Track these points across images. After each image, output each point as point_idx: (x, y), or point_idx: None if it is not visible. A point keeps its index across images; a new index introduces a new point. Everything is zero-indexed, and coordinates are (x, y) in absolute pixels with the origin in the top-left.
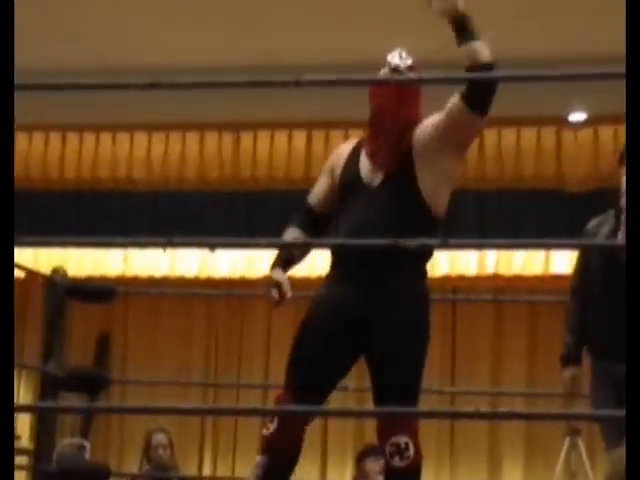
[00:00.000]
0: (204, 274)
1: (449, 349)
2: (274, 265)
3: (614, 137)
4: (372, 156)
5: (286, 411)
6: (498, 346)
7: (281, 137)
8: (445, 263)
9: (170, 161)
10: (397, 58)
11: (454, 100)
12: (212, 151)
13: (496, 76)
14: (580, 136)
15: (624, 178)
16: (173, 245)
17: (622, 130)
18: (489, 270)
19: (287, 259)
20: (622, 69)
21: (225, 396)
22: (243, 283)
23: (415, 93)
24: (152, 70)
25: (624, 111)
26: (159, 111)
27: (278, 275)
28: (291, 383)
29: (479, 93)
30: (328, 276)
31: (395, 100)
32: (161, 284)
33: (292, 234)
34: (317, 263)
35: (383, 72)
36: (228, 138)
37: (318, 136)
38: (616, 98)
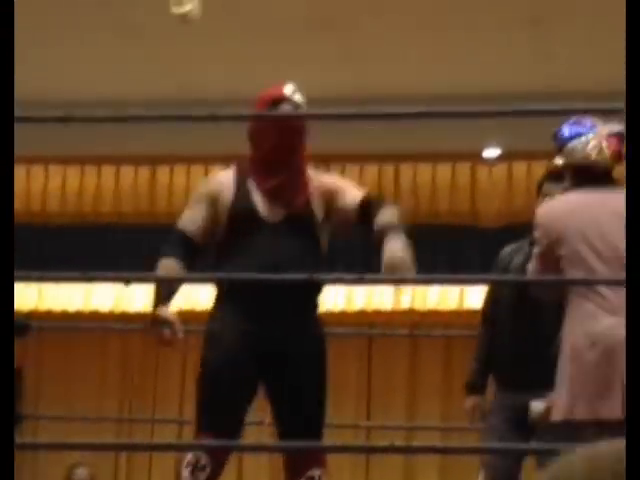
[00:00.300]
0: (119, 308)
1: (365, 383)
2: (159, 302)
3: (527, 173)
4: (272, 192)
5: (207, 446)
6: (413, 380)
7: (198, 171)
8: (361, 298)
9: (85, 194)
10: (297, 94)
11: (354, 200)
12: (128, 185)
13: (412, 112)
14: (494, 172)
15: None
16: (88, 279)
17: (535, 166)
18: (404, 305)
19: (169, 293)
20: (536, 106)
21: (140, 432)
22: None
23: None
24: (67, 103)
25: (537, 147)
26: (75, 144)
27: (167, 313)
28: (206, 427)
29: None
30: (224, 311)
31: (299, 137)
32: (75, 318)
33: (169, 265)
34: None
35: (286, 107)
36: (144, 172)
37: None
38: (530, 135)
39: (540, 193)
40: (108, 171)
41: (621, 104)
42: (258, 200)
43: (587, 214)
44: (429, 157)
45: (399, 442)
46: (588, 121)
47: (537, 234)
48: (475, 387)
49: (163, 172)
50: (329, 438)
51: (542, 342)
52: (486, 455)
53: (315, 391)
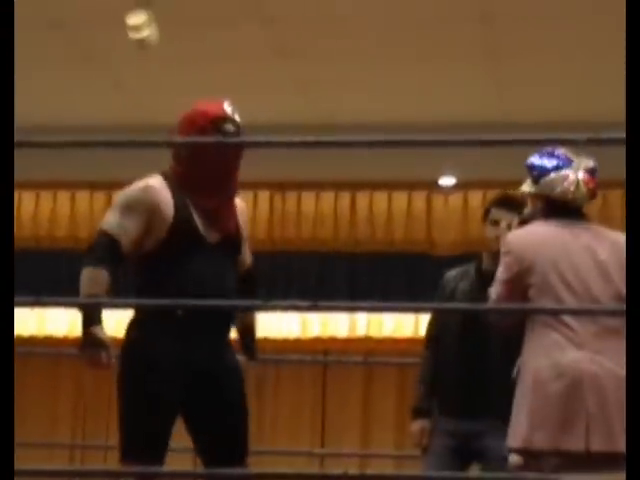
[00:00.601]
0: (73, 334)
1: (319, 410)
2: (92, 322)
3: (483, 202)
4: (212, 213)
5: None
6: (368, 408)
7: None
8: (317, 325)
9: (40, 219)
10: (236, 113)
11: (246, 261)
12: (84, 210)
13: (368, 140)
14: (450, 201)
15: (488, 234)
16: (41, 304)
17: (491, 195)
18: (360, 332)
19: (100, 312)
20: (491, 136)
21: (92, 458)
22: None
23: None
24: (34, 128)
25: (493, 177)
26: (29, 170)
27: (103, 334)
28: (138, 456)
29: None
30: (156, 332)
31: (239, 160)
32: (28, 343)
33: (105, 277)
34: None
35: (228, 127)
36: (100, 196)
37: None
38: (485, 164)
39: (487, 218)
40: (63, 196)
41: (575, 135)
42: (199, 220)
43: (559, 245)
44: (385, 185)
45: (353, 470)
46: (562, 153)
47: (507, 260)
48: (422, 411)
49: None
50: (284, 465)
51: (487, 369)
52: None
53: (244, 414)
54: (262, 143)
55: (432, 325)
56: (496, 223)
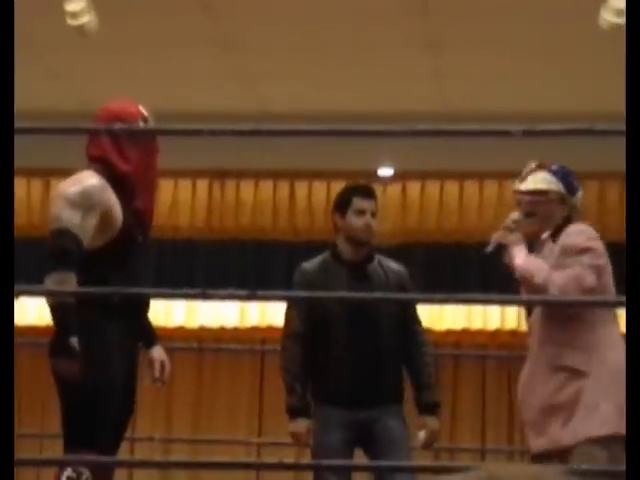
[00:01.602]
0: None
1: (257, 399)
2: (72, 332)
3: (422, 192)
4: (144, 213)
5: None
6: None
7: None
8: (255, 314)
9: None
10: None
11: None
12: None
13: (306, 129)
14: (388, 191)
15: (354, 223)
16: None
17: (429, 185)
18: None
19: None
20: (430, 127)
21: (27, 448)
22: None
23: None
24: None
25: (431, 167)
26: None
27: (77, 347)
28: (98, 443)
29: None
30: (108, 325)
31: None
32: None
33: (74, 281)
34: None
35: (147, 124)
36: (37, 184)
37: None
38: (423, 154)
39: (347, 209)
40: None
41: (514, 126)
42: (133, 220)
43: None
44: (324, 175)
45: (289, 459)
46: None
47: (595, 246)
48: (303, 409)
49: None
50: (221, 453)
51: (379, 357)
52: (322, 474)
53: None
54: (203, 131)
55: (295, 319)
56: (361, 213)
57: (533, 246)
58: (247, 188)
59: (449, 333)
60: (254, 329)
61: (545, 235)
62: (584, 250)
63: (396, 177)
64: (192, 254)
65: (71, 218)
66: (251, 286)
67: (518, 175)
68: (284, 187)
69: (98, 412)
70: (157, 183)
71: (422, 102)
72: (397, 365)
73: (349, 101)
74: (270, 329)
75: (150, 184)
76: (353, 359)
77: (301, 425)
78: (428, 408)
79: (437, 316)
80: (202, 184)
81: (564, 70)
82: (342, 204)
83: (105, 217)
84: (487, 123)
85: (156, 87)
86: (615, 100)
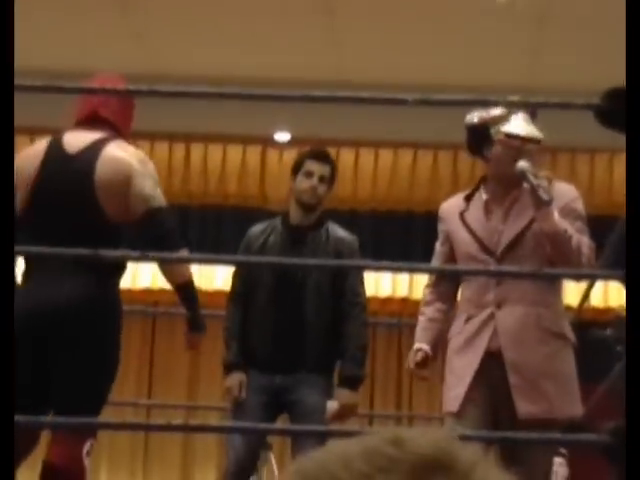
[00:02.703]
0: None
1: (147, 362)
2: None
3: None
4: None
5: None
6: (196, 360)
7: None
8: (147, 276)
9: None
10: None
11: None
12: None
13: (200, 91)
14: (284, 156)
15: (301, 185)
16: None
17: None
18: None
19: None
20: (327, 93)
21: None
22: None
23: None
24: None
25: (327, 134)
26: None
27: None
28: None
29: None
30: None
31: None
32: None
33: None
34: None
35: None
36: None
37: None
38: (320, 121)
39: (299, 171)
40: None
41: (405, 95)
42: None
43: None
44: (219, 138)
45: (178, 420)
46: None
47: (581, 207)
48: (238, 364)
49: None
50: (110, 415)
51: (301, 323)
52: (233, 436)
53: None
54: (96, 91)
55: (237, 279)
56: (310, 175)
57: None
58: (142, 149)
59: (389, 301)
60: (146, 291)
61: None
62: (585, 220)
63: (292, 142)
64: None
65: (158, 194)
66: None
67: (412, 145)
68: (179, 149)
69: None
70: None
71: (320, 69)
72: (324, 334)
73: (248, 66)
74: (162, 292)
75: None
76: (274, 323)
77: (234, 378)
78: (342, 380)
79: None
80: None
81: (460, 41)
82: (295, 166)
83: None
84: (384, 92)
85: (50, 46)
86: (511, 72)
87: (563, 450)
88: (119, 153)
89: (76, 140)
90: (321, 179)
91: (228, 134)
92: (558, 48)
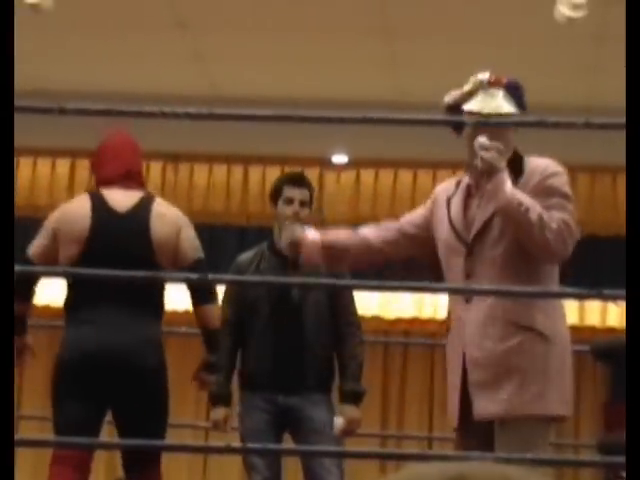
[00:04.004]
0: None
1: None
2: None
3: (375, 180)
4: None
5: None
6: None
7: (45, 164)
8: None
9: None
10: None
11: None
12: None
13: (261, 114)
14: (342, 177)
15: (284, 212)
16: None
17: (383, 173)
18: None
19: None
20: (385, 115)
21: None
22: None
23: None
24: None
25: (384, 155)
26: None
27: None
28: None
29: None
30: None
31: None
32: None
33: None
34: None
35: None
36: None
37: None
38: (377, 142)
39: (279, 197)
40: None
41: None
42: None
43: None
44: (278, 160)
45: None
46: None
47: (568, 191)
48: (224, 397)
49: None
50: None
51: (301, 343)
52: (252, 456)
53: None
54: (156, 114)
55: (228, 307)
56: (290, 201)
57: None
58: (201, 171)
59: (399, 321)
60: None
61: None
62: (567, 196)
63: (350, 165)
64: None
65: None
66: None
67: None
68: (237, 171)
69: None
70: None
71: (377, 90)
72: (323, 354)
73: (304, 86)
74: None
75: None
76: (274, 345)
77: (219, 413)
78: (346, 396)
79: (386, 304)
80: (156, 167)
81: (519, 61)
82: (274, 193)
83: None
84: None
85: (109, 67)
86: (571, 91)
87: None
88: (166, 209)
89: (122, 199)
90: (302, 204)
91: (286, 156)
92: (617, 66)
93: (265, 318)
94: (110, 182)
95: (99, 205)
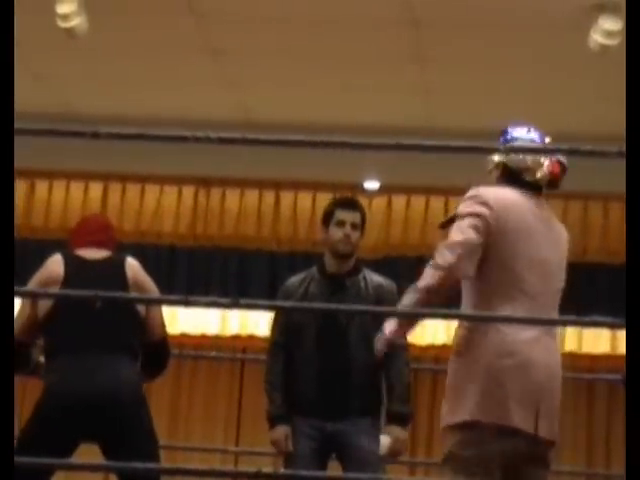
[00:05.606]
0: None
1: (235, 407)
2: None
3: (407, 206)
4: None
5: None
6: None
7: (78, 188)
8: (236, 322)
9: None
10: None
11: None
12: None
13: (293, 139)
14: (374, 204)
15: (334, 235)
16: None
17: (414, 199)
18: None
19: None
20: (417, 141)
21: None
22: None
23: None
24: None
25: (416, 182)
26: None
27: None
28: None
29: None
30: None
31: None
32: None
33: None
34: None
35: None
36: (21, 186)
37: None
38: (409, 169)
39: (331, 220)
40: None
41: (496, 143)
42: None
43: (529, 213)
44: (309, 185)
45: (267, 468)
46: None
47: (477, 208)
48: (282, 417)
49: (42, 186)
50: (198, 461)
51: (347, 369)
52: None
53: None
54: (189, 138)
55: (277, 329)
56: (342, 224)
57: None
58: (232, 196)
59: (429, 348)
60: (235, 337)
61: None
62: (460, 215)
63: (382, 190)
64: (175, 261)
65: None
66: (232, 294)
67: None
68: (269, 196)
69: None
70: None
71: (409, 116)
72: (369, 379)
73: (336, 112)
74: (251, 338)
75: None
76: (320, 370)
77: (279, 432)
78: (394, 417)
79: (418, 331)
80: (188, 191)
81: (552, 89)
82: (326, 217)
83: None
84: (473, 140)
85: (142, 92)
86: (609, 121)
87: None
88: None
89: (92, 253)
90: (353, 227)
91: (318, 181)
92: None
93: (311, 341)
94: (84, 245)
95: (71, 256)
